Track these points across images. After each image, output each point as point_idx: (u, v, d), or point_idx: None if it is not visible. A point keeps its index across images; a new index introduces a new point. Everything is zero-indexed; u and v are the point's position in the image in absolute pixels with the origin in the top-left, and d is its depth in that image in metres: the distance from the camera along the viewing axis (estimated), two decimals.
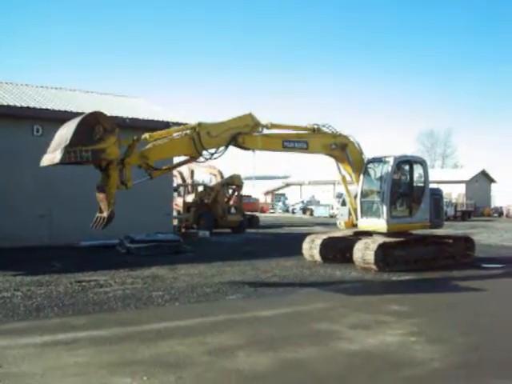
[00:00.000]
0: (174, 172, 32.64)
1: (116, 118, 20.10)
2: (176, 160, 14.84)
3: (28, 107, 19.24)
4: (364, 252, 14.22)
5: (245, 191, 59.05)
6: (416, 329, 8.27)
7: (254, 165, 78.07)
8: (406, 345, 7.33)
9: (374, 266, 14.04)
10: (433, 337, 7.79)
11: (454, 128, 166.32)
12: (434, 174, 58.32)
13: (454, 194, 59.30)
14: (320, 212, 55.32)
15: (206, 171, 35.32)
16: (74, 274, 13.21)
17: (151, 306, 9.86)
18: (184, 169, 32.44)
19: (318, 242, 15.92)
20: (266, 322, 8.78)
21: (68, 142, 10.04)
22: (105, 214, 11.07)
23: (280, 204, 73.25)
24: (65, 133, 10.46)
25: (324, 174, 64.55)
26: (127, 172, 11.38)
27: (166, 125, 19.49)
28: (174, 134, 12.65)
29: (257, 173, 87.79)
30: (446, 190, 52.15)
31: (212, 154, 13.22)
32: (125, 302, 10.14)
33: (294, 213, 64.63)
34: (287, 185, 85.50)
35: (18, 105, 19.16)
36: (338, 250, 16.03)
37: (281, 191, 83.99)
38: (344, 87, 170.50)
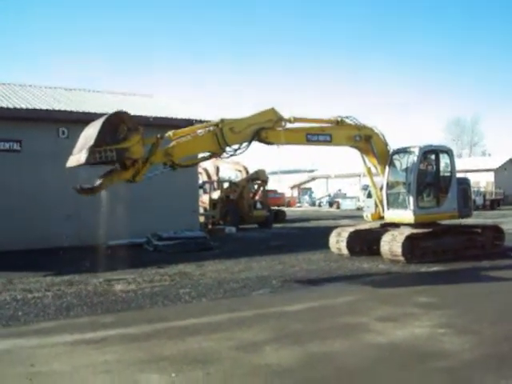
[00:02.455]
0: (200, 169, 32.83)
1: (140, 117, 20.30)
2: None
3: (53, 110, 19.49)
4: (391, 244, 14.10)
5: (270, 186, 59.15)
6: (445, 320, 8.18)
7: (279, 159, 77.98)
8: (434, 337, 7.25)
9: (401, 258, 13.91)
10: (462, 328, 7.70)
11: (481, 115, 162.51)
12: (462, 163, 57.77)
13: (483, 182, 58.43)
14: (347, 205, 55.06)
15: (231, 167, 35.39)
16: (103, 273, 13.35)
17: (178, 303, 9.93)
18: (209, 166, 32.59)
19: (345, 235, 15.83)
20: (293, 317, 8.77)
21: (93, 142, 10.11)
22: (90, 186, 10.69)
23: (306, 198, 73.12)
24: (90, 133, 10.54)
25: (350, 167, 64.23)
26: (144, 169, 11.34)
27: (189, 122, 19.59)
28: (198, 131, 12.69)
29: (282, 167, 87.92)
30: (474, 178, 51.45)
31: (235, 150, 13.22)
32: (153, 299, 10.22)
33: (320, 206, 64.47)
34: (313, 178, 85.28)
35: (44, 108, 19.42)
36: (365, 242, 15.91)
37: (307, 185, 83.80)
38: (366, 78, 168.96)
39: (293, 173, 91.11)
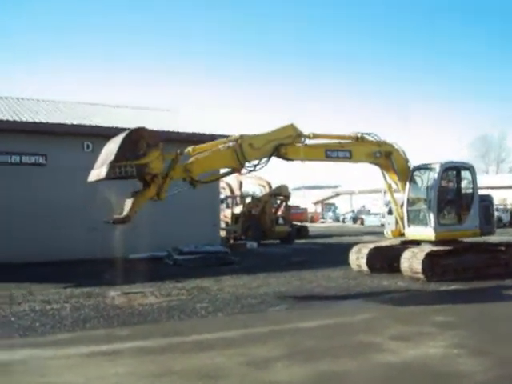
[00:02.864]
0: (223, 184, 33.07)
1: (163, 132, 20.55)
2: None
3: (78, 124, 19.85)
4: (411, 261, 13.98)
5: (294, 201, 59.07)
6: (460, 341, 8.07)
7: (303, 175, 77.87)
8: (448, 357, 7.16)
9: (421, 276, 13.77)
10: (476, 349, 7.58)
11: (507, 131, 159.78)
12: (489, 180, 57.03)
13: (510, 199, 57.49)
14: (371, 221, 54.67)
15: (254, 182, 35.49)
16: (122, 285, 13.45)
17: (195, 317, 9.97)
18: (232, 180, 32.76)
19: (365, 251, 15.74)
20: (307, 334, 8.74)
21: (113, 157, 10.31)
22: (122, 216, 11.10)
23: (330, 214, 72.85)
24: (110, 149, 10.74)
25: (374, 183, 63.83)
26: (165, 185, 11.52)
27: (212, 138, 19.75)
28: (217, 147, 12.78)
29: (306, 183, 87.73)
30: (501, 195, 50.91)
31: (255, 166, 13.30)
32: (169, 313, 10.29)
33: (344, 222, 64.15)
34: (337, 194, 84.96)
35: (69, 122, 19.78)
36: (386, 259, 15.77)
37: (331, 201, 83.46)
38: (390, 96, 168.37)
39: (317, 188, 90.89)
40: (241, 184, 33.82)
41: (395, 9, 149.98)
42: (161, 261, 19.12)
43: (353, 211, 67.92)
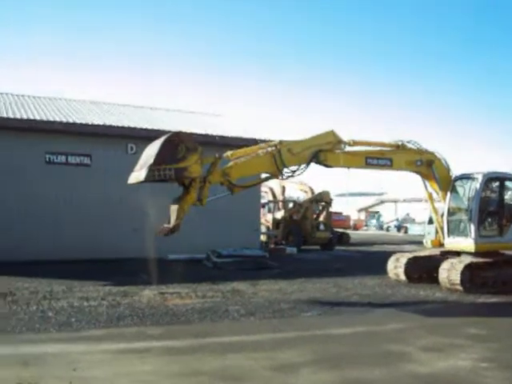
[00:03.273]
0: (265, 188, 33.14)
1: (206, 135, 20.82)
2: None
3: (123, 126, 20.28)
4: (450, 272, 13.76)
5: (338, 208, 58.67)
6: (491, 354, 7.93)
7: (348, 182, 77.30)
8: (476, 370, 7.04)
9: (460, 287, 13.54)
10: (507, 363, 7.43)
11: None
12: None
13: None
14: (415, 230, 53.82)
15: (297, 188, 35.43)
16: (159, 285, 13.70)
17: (226, 320, 10.07)
18: (275, 185, 32.78)
19: (403, 261, 15.56)
20: (337, 340, 8.74)
21: (152, 161, 10.53)
22: (170, 225, 11.41)
23: (374, 221, 72.11)
24: (150, 152, 10.97)
25: (420, 191, 62.87)
26: (205, 190, 11.70)
27: (254, 142, 19.86)
28: (256, 152, 12.86)
29: (351, 189, 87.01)
30: None
31: (293, 172, 13.32)
32: (202, 314, 10.42)
33: (388, 230, 63.40)
34: (382, 202, 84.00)
35: (114, 124, 20.24)
36: (425, 269, 15.55)
37: (375, 208, 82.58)
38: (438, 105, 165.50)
39: (362, 195, 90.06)
40: (283, 189, 33.77)
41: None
42: (200, 263, 19.34)
43: (397, 219, 67.07)
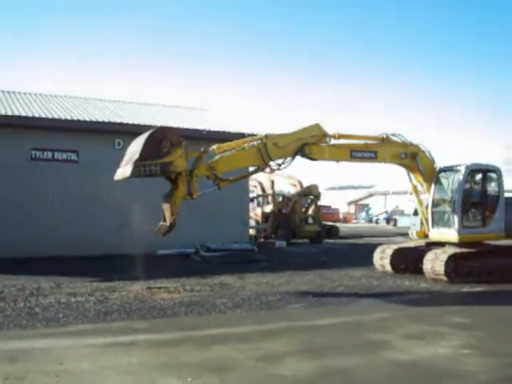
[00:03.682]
0: (254, 182, 33.25)
1: (193, 130, 20.87)
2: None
3: (110, 122, 20.29)
4: (434, 263, 13.95)
5: (329, 201, 58.84)
6: (472, 341, 8.09)
7: (338, 175, 77.69)
8: (457, 357, 7.20)
9: (444, 277, 13.73)
10: (487, 350, 7.60)
11: None
12: None
13: None
14: (404, 222, 54.08)
15: (285, 181, 35.53)
16: (147, 280, 13.76)
17: (213, 313, 10.18)
18: (264, 179, 32.87)
19: (389, 252, 15.75)
20: (321, 331, 8.87)
21: (138, 156, 10.60)
22: (167, 223, 11.55)
23: (363, 214, 72.46)
24: (135, 148, 11.04)
25: (409, 184, 63.20)
26: (194, 183, 11.80)
27: (241, 136, 19.93)
28: (242, 146, 12.95)
29: (341, 183, 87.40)
30: None
31: (279, 165, 13.44)
32: (189, 308, 10.52)
33: (377, 223, 63.73)
34: (371, 195, 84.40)
35: (101, 120, 20.27)
36: (410, 260, 15.73)
37: (365, 201, 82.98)
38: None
39: (351, 189, 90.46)
40: (272, 183, 33.85)
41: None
42: (188, 257, 19.42)
43: (386, 212, 67.41)
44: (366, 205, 79.17)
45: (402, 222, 54.74)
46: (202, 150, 12.04)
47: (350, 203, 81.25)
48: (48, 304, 10.72)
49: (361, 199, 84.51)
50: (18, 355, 7.17)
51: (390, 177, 79.46)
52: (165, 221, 11.61)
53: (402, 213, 62.14)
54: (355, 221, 70.51)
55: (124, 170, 11.02)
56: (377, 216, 67.67)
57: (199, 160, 12.00)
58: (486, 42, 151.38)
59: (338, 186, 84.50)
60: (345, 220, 63.88)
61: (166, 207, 11.49)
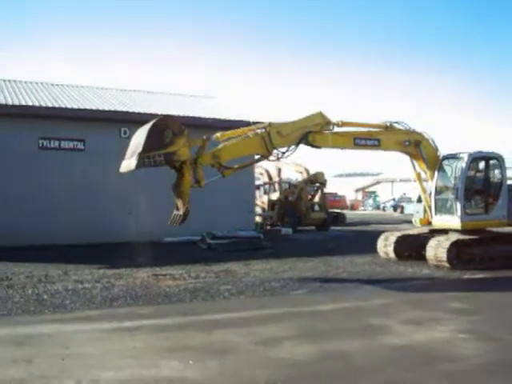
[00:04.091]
0: (261, 170, 33.40)
1: (199, 118, 21.01)
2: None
3: (116, 111, 20.46)
4: (436, 249, 14.07)
5: (336, 188, 58.88)
6: (469, 326, 8.25)
7: (344, 162, 77.65)
8: (453, 341, 7.36)
9: (446, 264, 13.86)
10: (483, 335, 7.74)
11: None
12: None
13: None
14: (411, 209, 54.11)
15: (292, 169, 35.63)
16: (153, 267, 14.00)
17: (217, 299, 10.37)
18: (271, 167, 33.01)
19: (393, 239, 15.88)
20: (322, 316, 9.05)
21: (141, 148, 10.77)
22: (180, 212, 11.77)
23: (370, 201, 72.48)
24: (138, 140, 11.20)
25: (413, 171, 62.99)
26: (199, 171, 11.97)
27: (247, 124, 20.03)
28: (246, 134, 13.07)
29: (348, 170, 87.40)
30: None
31: (283, 153, 13.57)
32: (193, 294, 10.72)
33: (384, 210, 63.78)
34: (378, 182, 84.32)
35: (107, 108, 20.42)
36: (413, 247, 15.88)
37: (372, 188, 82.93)
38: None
39: (359, 176, 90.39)
40: (279, 170, 33.98)
41: None
42: (195, 245, 19.63)
43: (393, 199, 67.37)
44: (374, 192, 79.16)
45: (409, 209, 54.71)
46: (204, 137, 12.16)
47: (357, 190, 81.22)
48: (55, 291, 10.96)
49: (368, 186, 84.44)
50: (26, 340, 7.39)
51: (398, 164, 79.51)
52: (178, 210, 11.80)
53: (409, 200, 62.15)
54: (362, 208, 70.56)
55: (129, 163, 11.18)
56: (384, 203, 67.67)
57: (202, 148, 12.12)
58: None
59: (345, 174, 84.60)
60: (352, 207, 63.97)
61: (177, 196, 11.68)
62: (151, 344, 7.23)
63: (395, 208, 60.44)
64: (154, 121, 11.21)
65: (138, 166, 10.77)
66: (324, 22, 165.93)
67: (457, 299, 10.37)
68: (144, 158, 10.74)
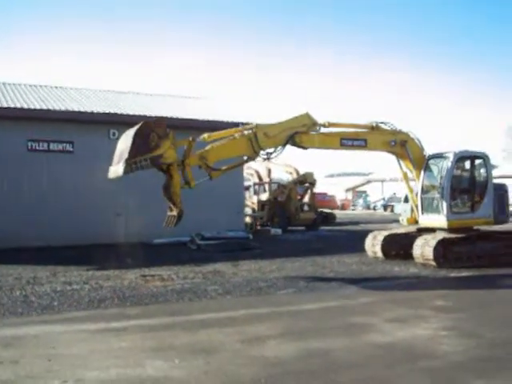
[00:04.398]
0: (251, 171, 33.54)
1: (189, 120, 21.08)
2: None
3: (104, 112, 20.49)
4: (423, 248, 14.21)
5: (326, 188, 59.01)
6: (452, 323, 8.37)
7: (336, 162, 77.82)
8: (434, 338, 7.47)
9: (433, 263, 14.00)
10: (466, 331, 7.86)
11: None
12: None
13: None
14: (400, 209, 54.39)
15: (282, 169, 35.77)
16: (142, 268, 14.05)
17: (204, 299, 10.44)
18: (261, 167, 33.16)
19: (380, 238, 16.02)
20: (307, 315, 9.14)
21: (127, 155, 10.86)
22: (174, 213, 11.86)
23: (361, 201, 72.77)
24: (124, 145, 11.29)
25: (399, 171, 63.27)
26: (188, 172, 12.06)
27: (235, 125, 20.11)
28: (233, 135, 13.16)
29: (339, 170, 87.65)
30: None
31: (270, 154, 13.67)
32: (180, 294, 10.79)
33: (375, 210, 64.06)
34: (369, 182, 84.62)
35: (95, 110, 20.46)
36: (401, 246, 16.00)
37: (363, 188, 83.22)
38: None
39: (350, 176, 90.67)
40: (269, 171, 34.12)
41: None
42: (184, 246, 19.69)
43: (383, 199, 67.68)
44: (364, 192, 79.44)
45: (399, 208, 55.08)
46: (190, 139, 12.22)
47: (347, 190, 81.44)
48: (43, 292, 10.99)
49: (359, 186, 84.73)
50: (13, 341, 7.43)
51: (388, 164, 79.85)
52: (171, 211, 11.88)
53: (399, 200, 62.47)
54: (353, 207, 70.83)
55: (116, 169, 11.26)
56: (374, 203, 67.98)
57: (189, 149, 12.18)
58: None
59: (336, 174, 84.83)
60: (342, 207, 64.17)
61: (168, 197, 11.79)
62: (137, 344, 7.29)
63: (385, 207, 60.73)
64: (138, 125, 11.27)
65: (126, 171, 10.86)
66: (326, 20, 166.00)
67: (442, 297, 10.51)
68: (131, 163, 10.84)
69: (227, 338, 7.57)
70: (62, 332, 7.96)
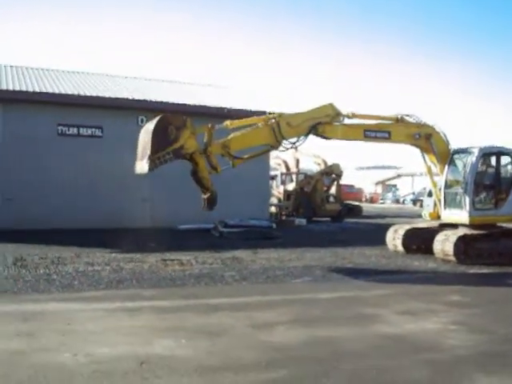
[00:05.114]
0: (279, 161, 33.63)
1: (216, 108, 21.25)
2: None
3: (133, 99, 20.81)
4: (444, 244, 14.13)
5: (356, 181, 58.67)
6: (464, 318, 8.35)
7: (367, 155, 77.27)
8: (443, 332, 7.49)
9: (453, 258, 13.92)
10: (476, 327, 7.86)
11: None
12: None
13: None
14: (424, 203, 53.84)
15: (310, 160, 35.72)
16: (163, 253, 14.30)
17: (219, 284, 10.64)
18: (289, 157, 33.22)
19: (401, 232, 15.97)
20: (319, 304, 9.25)
21: (149, 152, 11.10)
22: (209, 196, 12.16)
23: (390, 195, 72.19)
24: (145, 141, 11.53)
25: (423, 165, 62.50)
26: (212, 159, 12.24)
27: (260, 113, 20.17)
28: (256, 124, 13.25)
29: (369, 163, 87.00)
30: None
31: (293, 144, 13.74)
32: (197, 279, 11.00)
33: (404, 204, 63.51)
34: (399, 175, 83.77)
35: (125, 97, 20.78)
36: (422, 240, 15.88)
37: (393, 182, 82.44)
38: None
39: (379, 169, 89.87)
40: (297, 161, 34.14)
41: None
42: (208, 232, 19.91)
43: (413, 193, 66.99)
44: (394, 185, 78.73)
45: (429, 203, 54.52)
46: (209, 126, 12.34)
47: (377, 183, 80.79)
48: (66, 272, 11.33)
49: (388, 180, 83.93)
50: (31, 316, 7.74)
51: (419, 158, 78.96)
52: (205, 194, 12.23)
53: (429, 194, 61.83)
54: (382, 201, 70.26)
55: (142, 166, 11.53)
56: (403, 197, 67.38)
57: (209, 137, 12.30)
58: None
59: (366, 166, 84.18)
60: (371, 200, 63.80)
61: (197, 182, 12.13)
62: (149, 324, 7.52)
63: (414, 202, 60.11)
64: (155, 120, 11.47)
65: (151, 168, 11.17)
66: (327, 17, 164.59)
67: (457, 292, 10.47)
68: (154, 159, 11.13)
69: (237, 322, 7.73)
70: (78, 310, 8.23)
